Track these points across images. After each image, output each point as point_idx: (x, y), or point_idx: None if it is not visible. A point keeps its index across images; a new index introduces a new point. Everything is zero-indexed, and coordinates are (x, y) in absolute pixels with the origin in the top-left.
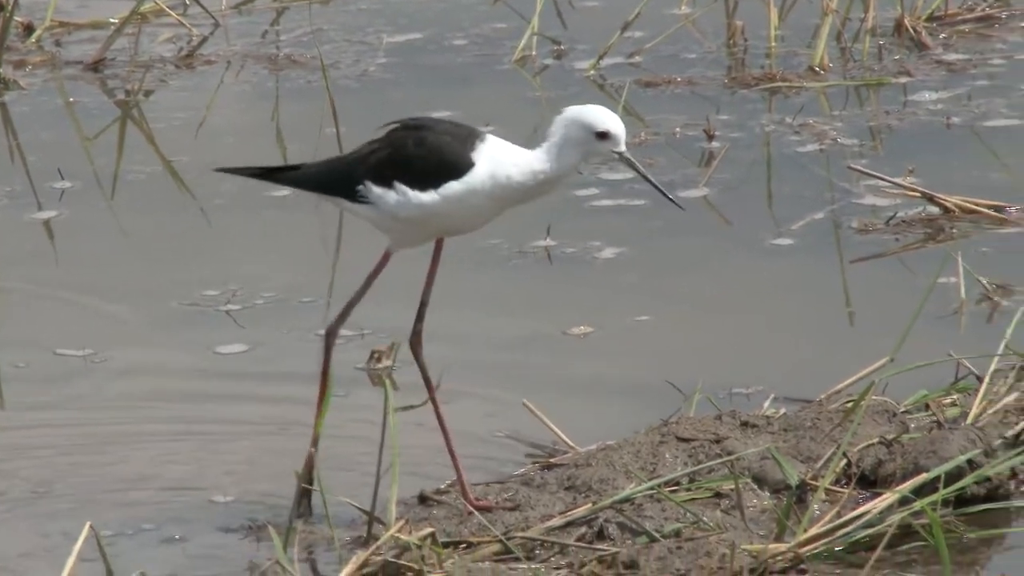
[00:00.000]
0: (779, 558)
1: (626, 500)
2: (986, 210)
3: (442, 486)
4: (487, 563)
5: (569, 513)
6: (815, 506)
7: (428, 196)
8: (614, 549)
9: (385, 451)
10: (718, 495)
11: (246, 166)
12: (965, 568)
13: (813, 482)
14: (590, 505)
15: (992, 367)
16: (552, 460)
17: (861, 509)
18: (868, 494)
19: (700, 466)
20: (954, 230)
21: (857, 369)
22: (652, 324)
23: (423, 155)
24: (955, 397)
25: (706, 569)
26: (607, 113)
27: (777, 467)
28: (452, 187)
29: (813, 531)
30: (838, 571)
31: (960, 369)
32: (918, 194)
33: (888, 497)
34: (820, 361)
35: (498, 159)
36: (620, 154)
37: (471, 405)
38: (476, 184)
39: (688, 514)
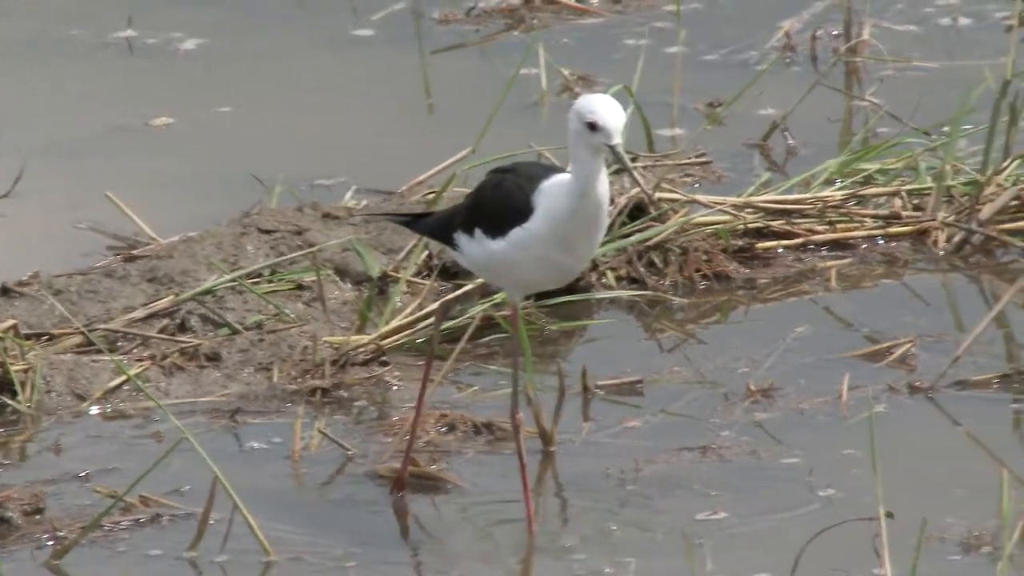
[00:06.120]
0: (361, 350)
1: (208, 292)
2: (567, 0)
3: (24, 277)
4: (69, 355)
5: (151, 305)
6: (397, 298)
7: (492, 244)
8: (196, 341)
9: None
10: (300, 287)
11: (394, 213)
12: (546, 359)
13: (395, 274)
14: (173, 297)
15: None
16: (134, 252)
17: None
18: (451, 286)
19: (282, 258)
20: (535, 20)
21: (439, 160)
22: (234, 116)
23: (495, 200)
24: None
25: (288, 361)
26: (601, 100)
27: (359, 259)
28: (515, 233)
29: (395, 323)
30: (420, 363)
31: (541, 160)
32: None
33: (469, 288)
34: (402, 152)
35: (554, 193)
36: (612, 147)
37: (53, 198)
38: (534, 229)
39: (270, 306)
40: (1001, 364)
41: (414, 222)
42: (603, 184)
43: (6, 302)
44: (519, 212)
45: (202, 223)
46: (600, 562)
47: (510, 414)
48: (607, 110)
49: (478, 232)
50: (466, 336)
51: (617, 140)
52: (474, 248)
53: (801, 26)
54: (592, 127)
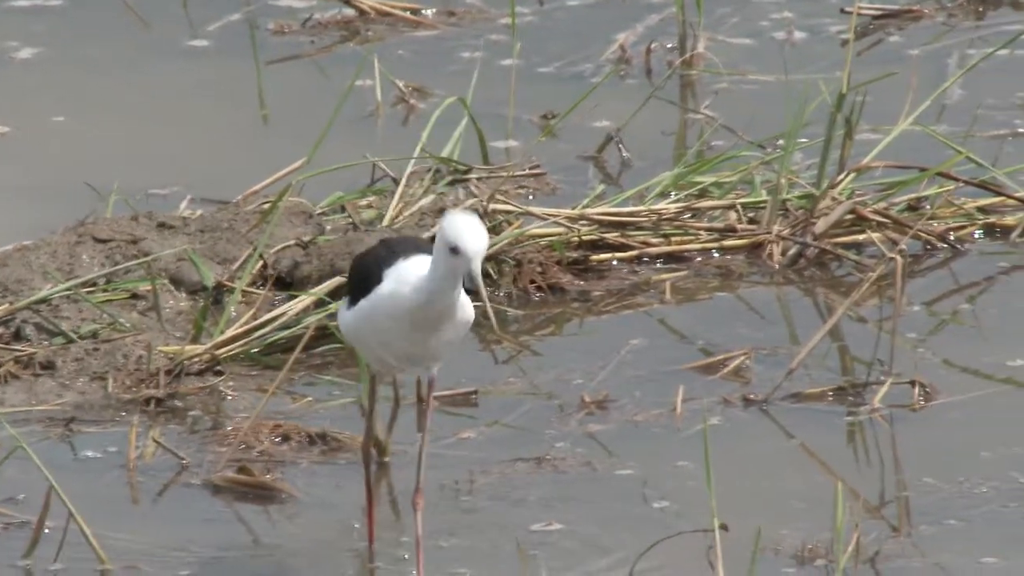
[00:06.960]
0: (196, 359)
1: (43, 301)
2: (402, 12)
3: None
4: None
5: None
6: (232, 308)
7: (347, 313)
8: (31, 350)
9: None
10: (135, 296)
11: None
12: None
13: (230, 284)
14: (7, 306)
15: (408, 169)
16: None
17: (277, 311)
18: (284, 296)
19: (117, 267)
20: (370, 32)
21: (274, 171)
22: (69, 125)
23: (352, 272)
24: (371, 199)
25: (123, 370)
26: (467, 227)
27: (194, 268)
28: (361, 304)
29: (230, 333)
30: (255, 373)
31: (376, 171)
32: None
33: (304, 299)
34: (237, 163)
35: (402, 276)
36: (468, 272)
37: None
38: (377, 300)
39: (105, 315)
40: (835, 377)
41: None
42: (449, 297)
43: None
44: (370, 284)
45: (37, 232)
46: (434, 573)
47: (362, 449)
48: (471, 237)
49: (346, 301)
50: (300, 346)
51: (476, 264)
52: (341, 316)
53: (636, 39)
54: (454, 251)
